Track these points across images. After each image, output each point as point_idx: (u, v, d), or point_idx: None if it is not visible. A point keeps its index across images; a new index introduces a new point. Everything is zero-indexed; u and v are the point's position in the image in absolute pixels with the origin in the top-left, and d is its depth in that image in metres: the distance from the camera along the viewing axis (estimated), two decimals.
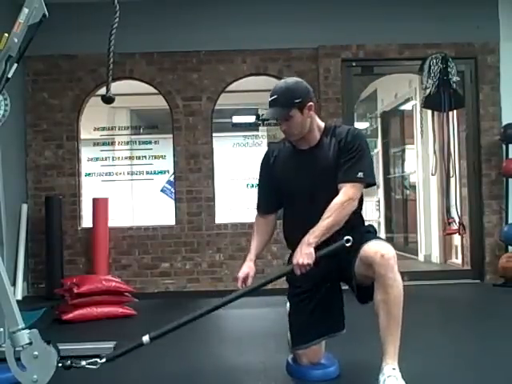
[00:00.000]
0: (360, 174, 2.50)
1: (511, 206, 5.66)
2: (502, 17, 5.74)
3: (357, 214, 2.70)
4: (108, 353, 3.13)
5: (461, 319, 4.13)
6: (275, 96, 2.53)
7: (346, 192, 2.48)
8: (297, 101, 2.51)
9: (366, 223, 2.78)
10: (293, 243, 2.59)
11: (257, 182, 2.90)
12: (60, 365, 2.36)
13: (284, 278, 2.77)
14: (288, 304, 2.77)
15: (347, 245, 2.36)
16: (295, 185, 2.65)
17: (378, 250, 2.39)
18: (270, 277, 2.54)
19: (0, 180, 3.22)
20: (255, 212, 2.85)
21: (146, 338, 2.48)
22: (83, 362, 2.39)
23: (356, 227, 2.60)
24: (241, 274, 2.67)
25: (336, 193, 2.49)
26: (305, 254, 2.39)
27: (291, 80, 2.63)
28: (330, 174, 2.55)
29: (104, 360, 2.43)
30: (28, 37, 2.57)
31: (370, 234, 2.62)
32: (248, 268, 2.71)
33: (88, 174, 6.13)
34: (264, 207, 2.81)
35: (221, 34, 5.65)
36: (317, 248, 2.42)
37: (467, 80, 5.85)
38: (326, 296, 2.63)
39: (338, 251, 2.40)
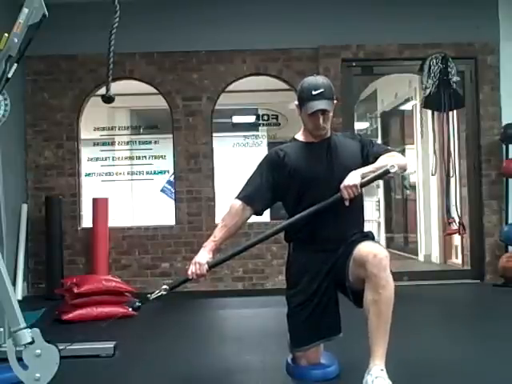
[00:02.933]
0: (389, 147, 2.78)
1: (511, 206, 5.66)
2: (501, 17, 5.74)
3: (362, 216, 2.73)
4: (108, 352, 3.17)
5: (461, 319, 4.12)
6: (322, 90, 2.58)
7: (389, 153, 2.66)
8: (334, 96, 2.64)
9: (366, 225, 2.79)
10: (310, 231, 2.60)
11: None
12: (130, 309, 2.63)
13: (285, 279, 2.78)
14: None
15: (392, 171, 2.43)
16: (313, 170, 2.61)
17: (370, 250, 2.40)
18: (317, 207, 2.51)
19: (0, 180, 3.22)
20: (234, 201, 2.69)
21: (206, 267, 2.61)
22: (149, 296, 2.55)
23: (357, 233, 2.63)
24: (203, 261, 2.62)
25: None
26: (352, 178, 2.44)
27: (323, 77, 2.72)
28: (346, 159, 2.62)
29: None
30: (28, 37, 2.58)
31: (367, 238, 2.62)
32: (206, 258, 2.64)
33: (88, 174, 6.13)
34: (253, 198, 2.67)
35: (221, 34, 5.65)
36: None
37: (467, 80, 5.85)
38: (324, 299, 2.61)
39: (381, 176, 2.51)
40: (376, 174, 2.50)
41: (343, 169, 2.56)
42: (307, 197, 2.58)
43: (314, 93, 2.57)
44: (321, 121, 2.60)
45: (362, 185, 2.46)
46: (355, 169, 2.57)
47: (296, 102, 2.73)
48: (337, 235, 2.59)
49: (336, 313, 2.65)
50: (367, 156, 2.66)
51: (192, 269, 2.60)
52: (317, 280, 2.60)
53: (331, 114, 2.64)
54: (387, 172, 2.46)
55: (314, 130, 2.66)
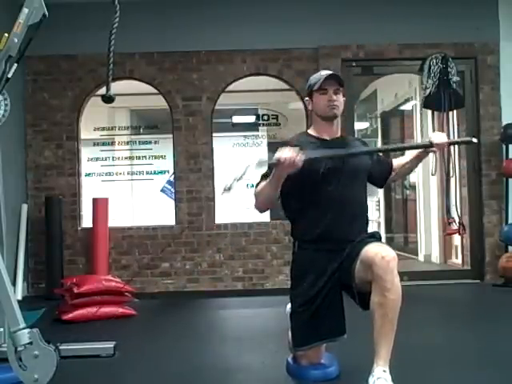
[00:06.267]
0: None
1: (511, 206, 5.66)
2: (502, 17, 5.74)
3: (367, 217, 2.75)
4: (108, 352, 3.16)
5: (461, 319, 4.13)
6: (331, 72, 2.74)
7: None
8: (343, 84, 2.77)
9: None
10: (316, 231, 2.60)
11: (255, 181, 2.82)
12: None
13: (290, 278, 2.78)
14: (289, 305, 2.76)
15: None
16: (327, 165, 2.59)
17: (378, 251, 2.39)
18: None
19: (0, 180, 3.22)
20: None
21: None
22: None
23: (363, 233, 2.62)
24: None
25: (359, 176, 2.70)
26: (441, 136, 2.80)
27: None
28: (357, 158, 2.70)
29: None
30: (28, 37, 2.58)
31: (374, 238, 2.61)
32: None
33: (88, 174, 6.12)
34: None
35: (221, 34, 5.65)
36: None
37: (467, 80, 5.86)
38: (327, 300, 2.60)
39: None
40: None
41: (354, 166, 2.61)
42: (317, 190, 2.57)
43: (323, 73, 2.71)
44: (333, 98, 2.67)
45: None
46: (365, 167, 2.71)
47: (306, 99, 2.77)
48: (342, 235, 2.58)
49: (340, 314, 2.64)
50: (373, 158, 2.80)
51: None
52: (321, 280, 2.59)
53: (342, 98, 2.73)
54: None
55: (327, 108, 2.67)
